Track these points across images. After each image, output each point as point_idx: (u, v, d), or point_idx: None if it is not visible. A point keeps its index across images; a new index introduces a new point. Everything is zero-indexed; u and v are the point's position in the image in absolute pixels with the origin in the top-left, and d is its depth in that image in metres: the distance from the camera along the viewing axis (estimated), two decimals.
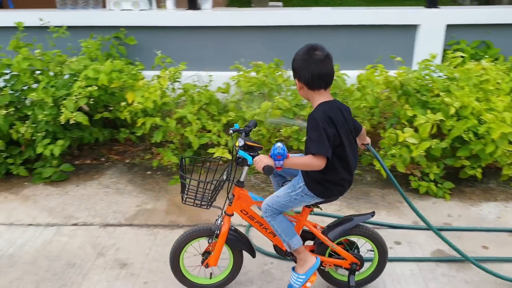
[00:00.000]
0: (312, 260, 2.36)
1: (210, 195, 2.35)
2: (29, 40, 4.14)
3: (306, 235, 2.48)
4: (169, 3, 4.77)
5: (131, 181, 3.83)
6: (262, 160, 2.07)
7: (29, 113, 3.77)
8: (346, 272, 2.49)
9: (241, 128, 2.34)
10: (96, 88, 3.76)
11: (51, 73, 3.98)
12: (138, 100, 3.66)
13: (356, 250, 2.49)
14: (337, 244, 2.43)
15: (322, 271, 2.51)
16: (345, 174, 2.23)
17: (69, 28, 4.39)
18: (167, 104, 3.84)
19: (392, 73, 3.79)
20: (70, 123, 3.67)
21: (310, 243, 2.51)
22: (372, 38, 4.66)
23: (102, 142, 4.23)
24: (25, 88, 3.91)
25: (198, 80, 4.25)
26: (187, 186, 2.36)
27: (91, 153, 4.31)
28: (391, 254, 2.85)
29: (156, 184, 3.79)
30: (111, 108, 4.06)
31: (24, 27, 4.14)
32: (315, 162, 2.06)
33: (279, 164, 2.06)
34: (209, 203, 2.35)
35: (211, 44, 4.71)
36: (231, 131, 2.34)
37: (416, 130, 3.47)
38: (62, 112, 3.65)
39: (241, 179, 2.34)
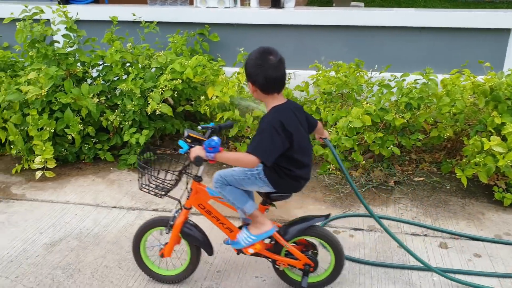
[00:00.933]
0: (268, 226, 2.37)
1: (164, 185, 2.41)
2: (122, 34, 4.40)
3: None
4: (253, 1, 4.87)
5: (208, 173, 3.96)
6: (195, 151, 2.15)
7: (118, 102, 4.01)
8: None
9: (210, 126, 2.36)
10: (180, 81, 3.93)
11: (140, 66, 4.21)
12: (216, 94, 3.78)
13: (312, 252, 2.44)
14: (297, 244, 2.43)
15: (277, 270, 2.50)
16: (299, 172, 2.26)
17: (157, 23, 4.62)
18: (244, 98, 3.93)
19: (479, 78, 3.63)
20: (156, 113, 3.87)
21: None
22: (458, 41, 4.47)
23: (182, 133, 4.40)
24: (116, 79, 4.17)
25: None
26: (145, 174, 2.41)
27: (172, 143, 4.49)
28: (469, 267, 2.74)
29: None
30: (192, 102, 4.23)
31: (118, 21, 4.40)
32: (247, 159, 2.09)
33: (210, 157, 2.14)
34: (164, 193, 2.40)
35: (292, 42, 4.75)
36: (199, 128, 2.39)
37: (504, 138, 3.30)
38: (148, 103, 3.87)
39: (199, 174, 2.38)
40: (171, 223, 2.44)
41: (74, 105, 3.89)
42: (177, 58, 4.13)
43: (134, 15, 4.46)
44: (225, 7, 4.82)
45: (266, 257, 2.45)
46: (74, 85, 3.98)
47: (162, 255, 2.52)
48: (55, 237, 3.08)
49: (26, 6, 3.96)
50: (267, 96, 2.19)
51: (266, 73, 2.11)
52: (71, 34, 4.06)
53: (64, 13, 3.98)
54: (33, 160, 3.83)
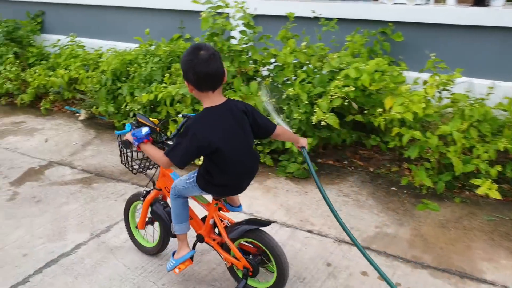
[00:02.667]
0: (185, 251, 2.46)
1: (139, 164, 2.56)
2: (299, 31, 4.12)
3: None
4: None
5: (373, 195, 3.48)
6: (128, 135, 2.26)
7: (285, 107, 3.75)
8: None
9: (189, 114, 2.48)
10: (353, 89, 3.50)
11: (311, 67, 3.89)
12: (397, 110, 3.25)
13: (257, 258, 2.35)
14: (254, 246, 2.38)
15: (226, 265, 2.49)
16: (222, 179, 2.21)
17: (336, 20, 4.24)
18: (430, 115, 3.32)
19: None
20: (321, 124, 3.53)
21: None
22: None
23: (348, 144, 3.98)
24: (286, 80, 3.92)
25: (470, 89, 3.58)
26: (124, 153, 2.51)
27: (335, 153, 4.11)
28: None
29: (401, 204, 3.35)
30: (365, 111, 3.76)
31: (296, 17, 4.13)
32: (161, 160, 2.15)
33: (135, 144, 2.23)
34: (137, 171, 2.58)
35: (495, 47, 3.92)
36: (180, 116, 2.52)
37: None
38: (315, 112, 3.53)
39: None
40: (142, 198, 2.66)
41: (249, 100, 3.75)
42: (353, 61, 3.69)
43: (313, 12, 4.12)
44: (415, 4, 4.19)
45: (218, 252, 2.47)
46: (244, 83, 3.84)
47: (136, 227, 2.76)
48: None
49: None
50: (202, 94, 2.10)
51: (195, 69, 2.02)
52: (248, 31, 3.91)
53: (241, 8, 3.84)
54: None
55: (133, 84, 4.36)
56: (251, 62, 3.99)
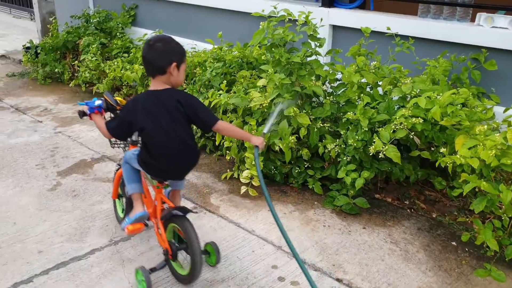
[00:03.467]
0: (138, 210, 2.55)
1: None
2: (378, 47, 3.69)
3: None
4: None
5: (426, 247, 2.97)
6: (84, 106, 2.56)
7: (342, 132, 3.35)
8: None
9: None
10: (421, 121, 3.01)
11: (380, 91, 3.45)
12: (463, 153, 2.72)
13: (182, 245, 2.50)
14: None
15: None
16: (148, 158, 2.41)
17: (421, 40, 3.74)
18: (507, 166, 2.74)
19: None
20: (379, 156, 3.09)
21: None
22: None
23: (412, 182, 3.48)
24: (348, 101, 3.52)
25: None
26: None
27: (397, 190, 3.62)
28: None
29: (457, 265, 2.81)
30: (433, 148, 3.24)
31: (375, 32, 3.71)
32: (103, 129, 2.45)
33: (87, 113, 2.56)
34: (113, 145, 2.91)
35: None
36: None
37: None
38: (374, 141, 3.10)
39: (133, 138, 2.67)
40: (114, 170, 2.98)
41: (293, 121, 3.43)
42: (427, 89, 3.20)
43: (388, 29, 3.66)
44: None
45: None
46: (296, 99, 3.51)
47: (112, 197, 3.06)
48: (218, 275, 2.69)
49: (275, 7, 3.63)
50: (151, 79, 2.39)
51: (142, 53, 2.35)
52: (312, 43, 3.57)
53: (306, 18, 3.51)
54: (243, 171, 3.58)
55: (194, 87, 4.22)
56: (314, 77, 3.63)
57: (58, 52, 6.18)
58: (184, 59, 2.39)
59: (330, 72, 3.57)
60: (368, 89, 3.52)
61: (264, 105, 3.46)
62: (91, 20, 6.30)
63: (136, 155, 2.51)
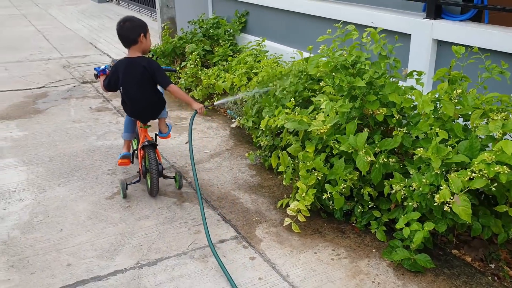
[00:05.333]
0: (124, 150, 3.74)
1: None
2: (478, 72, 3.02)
3: None
4: None
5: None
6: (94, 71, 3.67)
7: (411, 171, 2.78)
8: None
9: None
10: (507, 170, 2.33)
11: (470, 127, 2.79)
12: None
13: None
14: None
15: None
16: (124, 104, 3.54)
17: None
18: None
19: None
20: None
21: None
22: None
23: (501, 242, 2.75)
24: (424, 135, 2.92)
25: None
26: None
27: (484, 247, 2.90)
28: None
29: None
30: None
31: (484, 49, 3.02)
32: (101, 85, 3.52)
33: (97, 75, 3.62)
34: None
35: None
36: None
37: None
38: (440, 188, 2.50)
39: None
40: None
41: (354, 155, 2.95)
42: None
43: (475, 49, 2.92)
44: None
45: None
46: (366, 129, 3.01)
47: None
48: None
49: (339, 26, 3.17)
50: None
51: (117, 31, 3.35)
52: (383, 63, 3.04)
53: (372, 34, 2.98)
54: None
55: (265, 101, 3.94)
56: (387, 103, 3.09)
57: (169, 57, 6.40)
58: (147, 29, 3.36)
59: (406, 98, 3.00)
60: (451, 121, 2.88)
61: (322, 131, 3.04)
62: (201, 27, 6.40)
63: (121, 104, 3.61)
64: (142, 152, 3.53)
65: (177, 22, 7.33)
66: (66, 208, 3.45)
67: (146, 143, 3.45)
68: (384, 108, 2.99)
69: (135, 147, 3.84)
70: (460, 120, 3.00)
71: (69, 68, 7.31)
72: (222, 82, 5.05)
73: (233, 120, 5.11)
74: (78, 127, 4.98)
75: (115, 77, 3.37)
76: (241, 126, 4.72)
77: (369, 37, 3.03)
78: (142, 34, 3.29)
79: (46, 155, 4.32)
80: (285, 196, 3.50)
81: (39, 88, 6.35)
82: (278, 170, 3.45)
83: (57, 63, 7.60)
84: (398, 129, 2.94)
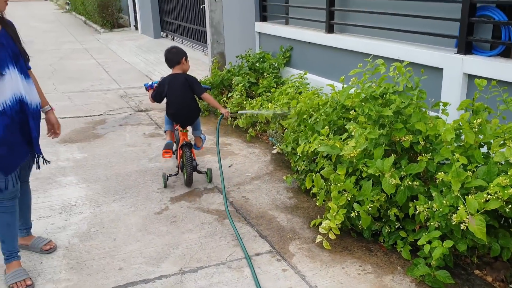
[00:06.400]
0: (168, 139, 4.51)
1: None
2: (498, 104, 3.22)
3: None
4: None
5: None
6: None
7: (434, 194, 2.98)
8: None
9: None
10: None
11: (492, 153, 2.98)
12: None
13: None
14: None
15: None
16: (168, 110, 4.41)
17: None
18: None
19: None
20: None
21: None
22: None
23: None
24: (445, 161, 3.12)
25: None
26: None
27: (502, 269, 3.02)
28: None
29: None
30: None
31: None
32: (149, 97, 4.45)
33: (147, 88, 4.62)
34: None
35: None
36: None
37: None
38: (457, 208, 2.69)
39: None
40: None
41: (381, 178, 3.19)
42: None
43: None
44: None
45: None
46: (394, 155, 3.25)
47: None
48: None
49: (369, 60, 3.47)
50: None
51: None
52: (409, 94, 3.29)
53: (398, 68, 3.25)
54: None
55: (300, 129, 4.25)
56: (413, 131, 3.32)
57: (217, 88, 6.87)
58: (187, 55, 4.38)
59: (431, 126, 3.22)
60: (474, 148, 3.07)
61: (352, 155, 3.31)
62: (247, 61, 6.86)
63: (166, 109, 4.44)
64: (180, 151, 4.37)
65: (226, 56, 7.83)
66: (119, 221, 3.85)
67: (184, 143, 4.33)
68: (410, 136, 3.23)
69: (175, 147, 4.64)
70: (485, 148, 3.19)
71: (126, 98, 7.94)
72: (266, 110, 5.40)
73: (274, 147, 5.43)
74: (132, 150, 5.46)
75: (161, 89, 4.29)
76: (281, 152, 5.03)
77: (396, 71, 3.31)
78: (183, 58, 4.33)
79: (103, 174, 4.79)
80: (318, 216, 3.75)
81: (99, 115, 6.95)
82: (312, 192, 3.72)
83: (115, 93, 8.26)
84: (423, 155, 3.16)
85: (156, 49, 12.82)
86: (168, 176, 4.45)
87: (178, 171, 4.54)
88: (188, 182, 4.40)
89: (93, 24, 19.14)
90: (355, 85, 3.42)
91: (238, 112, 5.49)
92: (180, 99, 4.26)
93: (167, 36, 14.81)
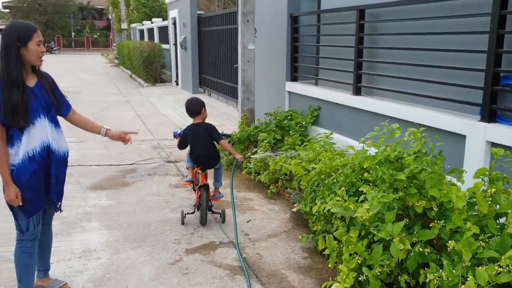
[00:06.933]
0: (189, 176, 4.99)
1: None
2: None
3: None
4: None
5: None
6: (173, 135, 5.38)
7: (445, 262, 2.92)
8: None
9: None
10: None
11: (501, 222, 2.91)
12: None
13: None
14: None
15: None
16: (192, 155, 4.94)
17: None
18: None
19: None
20: None
21: None
22: None
23: None
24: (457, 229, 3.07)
25: None
26: None
27: None
28: None
29: None
30: None
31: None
32: (177, 144, 4.99)
33: (175, 136, 5.12)
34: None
35: None
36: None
37: None
38: (467, 278, 2.62)
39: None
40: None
41: (392, 245, 3.15)
42: None
43: None
44: None
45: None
46: (406, 219, 3.22)
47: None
48: None
49: (385, 124, 3.52)
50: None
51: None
52: (422, 159, 3.30)
53: (413, 133, 3.28)
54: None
55: (318, 189, 4.27)
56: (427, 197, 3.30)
57: (243, 143, 7.02)
58: (205, 105, 4.93)
59: (445, 193, 3.19)
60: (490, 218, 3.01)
61: (365, 218, 3.30)
62: (275, 118, 7.03)
63: (188, 154, 4.99)
64: (198, 191, 4.78)
65: (256, 113, 8.05)
66: (134, 269, 3.91)
67: (202, 184, 4.74)
68: (424, 201, 3.21)
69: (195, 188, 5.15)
70: (504, 219, 3.12)
71: (158, 149, 8.20)
72: (289, 165, 5.47)
73: (294, 205, 5.44)
74: (156, 200, 5.60)
75: (185, 137, 4.85)
76: (300, 211, 5.04)
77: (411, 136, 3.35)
78: (203, 108, 4.89)
79: (126, 222, 4.92)
80: (330, 278, 3.69)
81: (130, 164, 7.20)
82: (323, 253, 3.69)
83: (149, 144, 8.56)
84: (436, 221, 3.12)
85: None
86: (185, 214, 4.88)
87: (195, 210, 4.91)
88: (202, 220, 4.80)
89: (138, 78, 20.11)
90: (370, 148, 3.47)
91: (251, 156, 5.95)
92: (201, 146, 4.80)
93: (204, 91, 15.36)
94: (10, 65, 2.95)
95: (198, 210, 4.86)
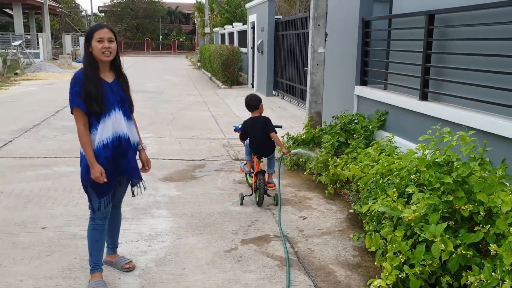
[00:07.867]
0: (247, 168, 5.89)
1: None
2: None
3: None
4: None
5: None
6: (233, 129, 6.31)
7: (487, 265, 2.93)
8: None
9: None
10: None
11: None
12: None
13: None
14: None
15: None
16: (251, 145, 5.58)
17: None
18: None
19: None
20: None
21: None
22: None
23: None
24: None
25: None
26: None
27: None
28: None
29: None
30: None
31: None
32: (239, 137, 5.78)
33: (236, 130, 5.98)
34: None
35: None
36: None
37: None
38: (503, 281, 2.63)
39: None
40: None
41: (433, 246, 3.19)
42: None
43: None
44: None
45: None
46: (452, 222, 3.24)
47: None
48: None
49: (437, 128, 3.54)
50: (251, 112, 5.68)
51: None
52: (470, 164, 3.29)
53: (462, 138, 3.28)
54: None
55: (373, 190, 4.35)
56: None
57: (308, 145, 7.19)
58: (262, 102, 5.61)
59: (492, 198, 3.18)
60: None
61: (410, 218, 3.37)
62: (340, 121, 7.13)
63: (247, 144, 5.62)
64: (255, 177, 5.41)
65: (323, 115, 8.18)
66: (192, 253, 4.25)
67: (259, 170, 5.37)
68: (470, 205, 3.22)
69: (250, 181, 5.94)
70: None
71: (227, 147, 8.60)
72: (348, 171, 5.57)
73: (352, 206, 5.53)
74: (219, 193, 5.94)
75: (245, 129, 5.56)
76: (356, 212, 5.13)
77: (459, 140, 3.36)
78: (260, 104, 5.58)
79: (190, 211, 5.30)
80: (376, 276, 3.78)
81: (200, 160, 7.64)
82: (369, 250, 3.78)
83: (219, 143, 8.99)
84: (481, 225, 3.12)
85: (265, 105, 13.60)
86: (244, 196, 5.53)
87: (252, 192, 5.56)
88: (259, 202, 5.42)
89: (216, 80, 20.90)
90: (419, 151, 3.52)
91: (292, 151, 6.45)
92: (260, 137, 5.46)
93: (278, 94, 15.67)
94: (86, 61, 3.44)
95: (255, 192, 5.46)
